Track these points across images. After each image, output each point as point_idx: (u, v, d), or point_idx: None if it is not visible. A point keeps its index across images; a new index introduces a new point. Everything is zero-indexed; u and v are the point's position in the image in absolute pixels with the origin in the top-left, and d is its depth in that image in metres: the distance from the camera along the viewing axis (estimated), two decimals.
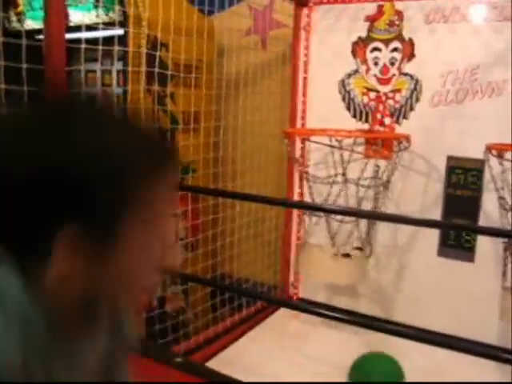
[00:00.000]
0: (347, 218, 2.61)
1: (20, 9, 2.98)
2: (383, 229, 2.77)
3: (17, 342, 0.66)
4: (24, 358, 0.66)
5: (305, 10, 3.09)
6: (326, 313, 2.47)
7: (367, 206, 2.65)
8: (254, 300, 3.09)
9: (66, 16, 2.06)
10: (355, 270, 2.72)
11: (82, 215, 0.68)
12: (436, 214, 2.81)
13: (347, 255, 2.65)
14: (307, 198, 2.76)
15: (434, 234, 2.81)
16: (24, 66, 1.88)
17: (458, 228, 2.73)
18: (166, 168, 0.77)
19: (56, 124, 0.71)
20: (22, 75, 1.88)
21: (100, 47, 2.27)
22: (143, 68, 2.65)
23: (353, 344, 2.69)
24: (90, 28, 2.41)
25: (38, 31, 2.71)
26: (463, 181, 2.77)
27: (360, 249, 2.70)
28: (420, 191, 2.85)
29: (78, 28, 2.40)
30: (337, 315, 2.25)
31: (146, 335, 2.80)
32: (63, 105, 0.75)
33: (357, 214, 2.49)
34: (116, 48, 2.37)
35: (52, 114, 0.73)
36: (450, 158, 2.78)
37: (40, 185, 0.67)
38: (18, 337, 0.67)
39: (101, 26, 2.38)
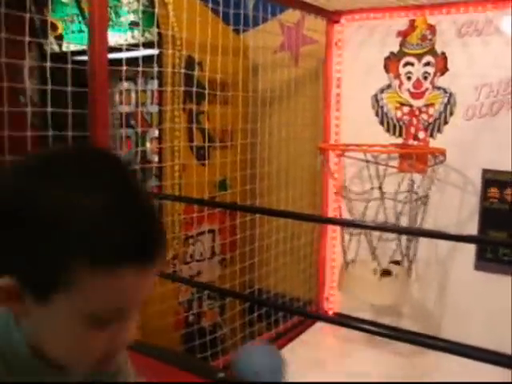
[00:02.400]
0: (386, 234, 2.61)
1: (59, 32, 3.06)
2: (421, 243, 2.76)
3: None
4: None
5: (337, 27, 3.11)
6: (364, 327, 2.47)
7: (406, 219, 2.64)
8: (290, 315, 3.09)
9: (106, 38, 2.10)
10: (395, 284, 2.71)
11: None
12: (472, 227, 2.79)
13: (387, 272, 2.64)
14: (344, 213, 2.76)
15: (470, 248, 2.79)
16: (69, 88, 1.94)
17: (495, 243, 2.70)
18: (138, 261, 0.70)
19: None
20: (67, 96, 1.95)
21: (139, 68, 2.31)
22: (178, 87, 2.70)
23: (390, 359, 2.69)
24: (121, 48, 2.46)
25: (77, 53, 2.80)
26: (499, 194, 2.75)
27: (398, 262, 2.69)
28: (456, 205, 2.84)
29: (113, 49, 2.46)
30: (373, 329, 2.23)
31: (184, 350, 2.83)
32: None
33: (393, 229, 2.49)
34: (155, 69, 2.41)
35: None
36: (485, 171, 2.77)
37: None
38: None
39: (140, 46, 2.42)
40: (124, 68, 2.18)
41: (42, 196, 0.68)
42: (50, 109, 1.90)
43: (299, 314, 3.18)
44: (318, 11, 3.03)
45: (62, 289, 0.69)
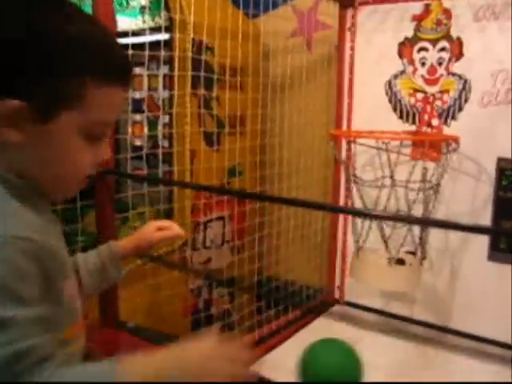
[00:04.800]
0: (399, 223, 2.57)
1: None
2: (434, 232, 2.71)
3: None
4: None
5: (350, 11, 3.05)
6: (370, 318, 2.45)
7: (418, 208, 2.59)
8: (299, 304, 3.07)
9: (114, 22, 2.08)
10: (407, 272, 2.67)
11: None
12: (486, 217, 2.73)
13: (401, 261, 2.60)
14: (356, 200, 2.72)
15: (484, 238, 2.73)
16: None
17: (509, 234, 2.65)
18: (115, 76, 0.91)
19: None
20: None
21: (146, 53, 2.29)
22: (189, 72, 2.67)
23: (403, 350, 2.66)
24: (136, 33, 2.44)
25: None
26: None
27: (413, 253, 2.65)
28: (469, 194, 2.78)
29: (124, 34, 2.44)
30: (382, 322, 2.20)
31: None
32: None
33: (406, 219, 2.44)
34: (162, 53, 2.38)
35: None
36: (500, 160, 2.71)
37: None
38: None
39: (147, 31, 2.39)
40: (130, 52, 2.15)
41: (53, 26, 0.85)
42: None
43: (304, 304, 3.16)
44: None
45: (69, 105, 0.85)
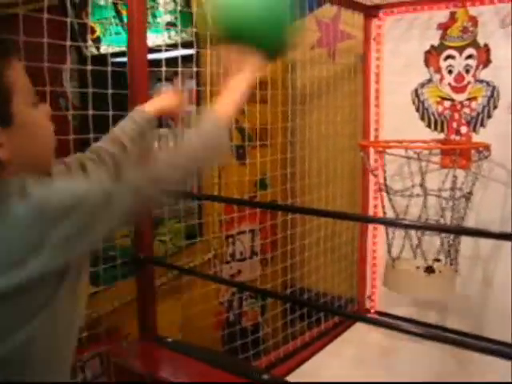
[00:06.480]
0: (428, 231, 2.56)
1: (96, 35, 3.09)
2: (465, 240, 2.69)
3: None
4: None
5: (375, 21, 3.06)
6: (403, 327, 2.41)
7: (448, 216, 2.58)
8: (332, 314, 3.06)
9: (146, 40, 2.10)
10: (443, 280, 2.65)
11: None
12: None
13: (430, 269, 2.58)
14: (387, 211, 2.71)
15: None
16: (110, 91, 1.93)
17: None
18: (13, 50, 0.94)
19: None
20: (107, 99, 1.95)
21: (178, 69, 2.31)
22: (216, 87, 2.68)
23: (437, 358, 2.64)
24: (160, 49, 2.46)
25: (114, 55, 2.82)
26: None
27: (439, 260, 2.63)
28: (500, 201, 2.76)
29: (150, 50, 2.45)
30: (413, 330, 2.17)
31: (225, 351, 2.83)
32: None
33: (437, 228, 2.43)
34: (194, 69, 2.41)
35: None
36: None
37: None
38: None
39: (179, 46, 2.41)
40: (163, 69, 2.17)
41: None
42: (91, 111, 1.89)
43: (338, 314, 3.15)
44: (355, 6, 2.98)
45: (14, 90, 0.90)
